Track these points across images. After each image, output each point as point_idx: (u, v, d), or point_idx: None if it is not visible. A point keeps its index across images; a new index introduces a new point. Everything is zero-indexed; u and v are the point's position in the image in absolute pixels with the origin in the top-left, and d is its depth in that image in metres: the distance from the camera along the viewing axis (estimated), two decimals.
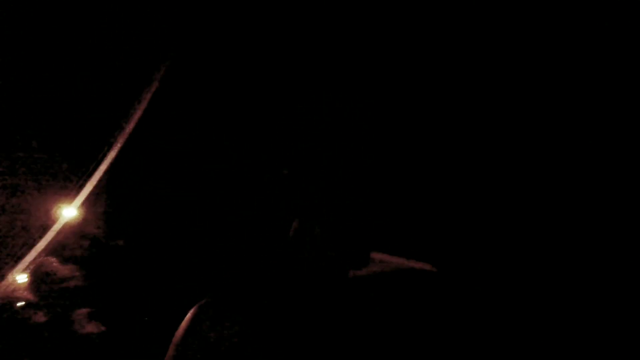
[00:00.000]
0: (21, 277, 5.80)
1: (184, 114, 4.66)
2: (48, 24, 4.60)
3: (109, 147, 4.46)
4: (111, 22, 4.56)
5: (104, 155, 4.58)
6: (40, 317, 6.09)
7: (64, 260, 5.42)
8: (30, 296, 5.89)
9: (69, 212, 5.35)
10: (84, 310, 4.89)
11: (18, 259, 5.39)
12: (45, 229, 5.31)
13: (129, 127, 3.98)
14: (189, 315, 1.38)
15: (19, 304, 6.27)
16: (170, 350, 1.35)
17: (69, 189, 5.07)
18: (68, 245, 5.48)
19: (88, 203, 5.38)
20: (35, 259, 5.48)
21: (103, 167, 4.69)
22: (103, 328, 5.26)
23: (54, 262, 5.43)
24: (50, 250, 5.40)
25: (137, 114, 3.76)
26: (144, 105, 3.79)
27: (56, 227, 5.39)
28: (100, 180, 4.99)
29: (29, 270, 5.45)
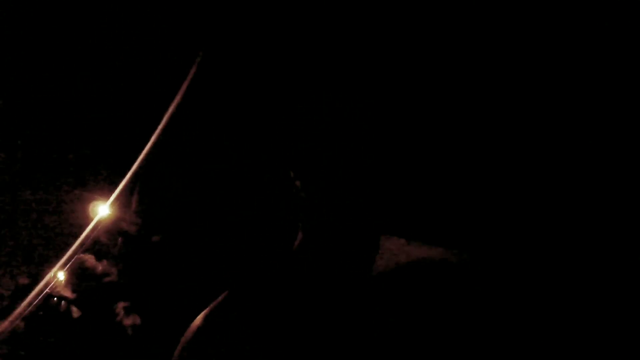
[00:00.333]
0: (62, 274, 6.03)
1: (202, 118, 4.80)
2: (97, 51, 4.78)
3: (140, 149, 4.61)
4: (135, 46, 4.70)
5: (135, 157, 4.73)
6: (81, 311, 6.33)
7: (100, 257, 5.62)
8: (71, 292, 6.12)
9: (103, 210, 5.55)
10: (122, 304, 5.07)
11: (60, 256, 5.61)
12: (82, 227, 5.50)
13: (158, 128, 4.12)
14: (201, 316, 1.38)
15: (62, 299, 6.52)
16: (178, 350, 1.33)
17: (104, 188, 5.25)
18: (103, 243, 5.68)
19: (121, 201, 5.57)
20: (73, 256, 5.70)
21: (134, 167, 4.84)
22: (139, 321, 5.44)
23: (91, 260, 5.64)
24: (87, 248, 5.60)
25: (164, 119, 3.89)
26: (170, 110, 3.93)
27: (92, 225, 5.58)
28: (131, 179, 5.15)
29: (69, 268, 5.67)
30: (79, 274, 5.85)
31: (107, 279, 5.74)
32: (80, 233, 5.67)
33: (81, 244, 5.76)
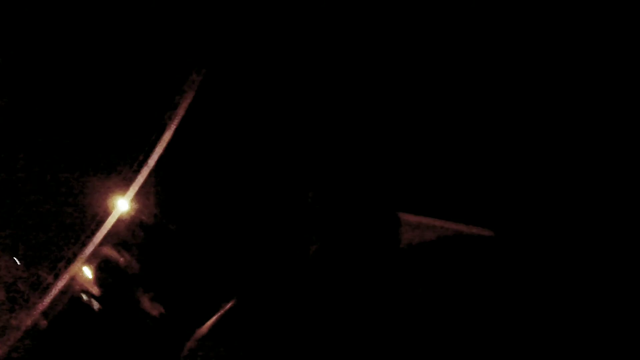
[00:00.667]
0: (85, 268, 6.18)
1: (215, 115, 4.91)
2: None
3: (154, 145, 4.72)
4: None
5: (151, 152, 4.84)
6: (103, 304, 6.47)
7: (122, 249, 5.76)
8: (95, 286, 6.26)
9: (123, 204, 5.68)
10: (146, 295, 5.19)
11: (83, 250, 5.74)
12: (103, 221, 5.64)
13: (172, 125, 4.24)
14: (207, 324, 1.40)
15: (85, 293, 6.67)
16: (189, 344, 1.35)
17: (123, 184, 5.38)
18: (124, 236, 5.81)
19: (139, 195, 5.69)
20: (96, 250, 5.84)
21: (151, 162, 4.96)
22: (162, 310, 5.57)
23: (113, 253, 5.78)
24: (109, 240, 5.74)
25: (179, 115, 4.01)
26: (181, 111, 4.05)
27: (112, 220, 5.71)
28: (149, 174, 5.27)
29: (91, 261, 5.82)
30: (101, 268, 5.99)
31: (129, 271, 5.87)
32: (101, 227, 5.80)
33: (103, 238, 5.90)
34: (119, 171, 5.48)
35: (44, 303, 6.88)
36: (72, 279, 6.43)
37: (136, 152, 5.29)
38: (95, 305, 7.66)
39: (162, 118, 4.93)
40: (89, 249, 5.98)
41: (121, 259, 5.86)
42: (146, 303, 5.44)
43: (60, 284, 6.59)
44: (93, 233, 5.85)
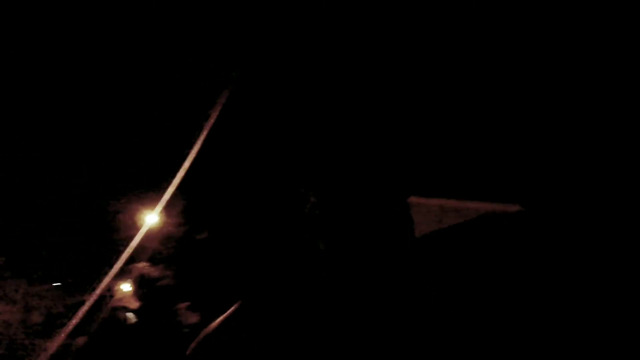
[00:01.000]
0: (119, 283, 6.32)
1: (238, 133, 5.04)
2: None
3: (184, 159, 4.85)
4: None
5: (179, 166, 4.98)
6: (139, 317, 6.63)
7: (155, 262, 5.90)
8: (130, 299, 6.41)
9: (152, 218, 5.81)
10: (183, 305, 5.34)
11: (115, 265, 5.89)
12: (133, 235, 5.79)
13: (200, 140, 4.37)
14: (213, 324, 1.45)
15: (120, 308, 6.82)
16: (193, 344, 1.39)
17: (150, 198, 5.52)
18: (155, 248, 5.96)
19: (166, 208, 5.83)
20: (128, 265, 5.98)
21: (179, 175, 5.09)
22: (199, 318, 5.72)
23: (146, 266, 5.92)
24: (141, 254, 5.89)
25: (205, 132, 4.15)
26: (210, 124, 4.19)
27: (142, 233, 5.85)
28: (177, 187, 5.41)
29: (126, 276, 5.97)
30: (136, 281, 6.14)
31: (163, 282, 6.01)
32: (133, 242, 5.94)
33: (134, 252, 6.03)
34: (147, 187, 5.61)
35: (80, 321, 7.03)
36: (107, 295, 6.58)
37: (163, 168, 5.43)
38: (132, 319, 7.80)
39: (189, 137, 5.08)
40: (121, 263, 6.12)
41: (155, 272, 6.01)
42: (183, 312, 5.60)
43: (95, 300, 6.74)
44: (125, 249, 5.99)
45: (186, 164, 4.38)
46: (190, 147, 4.29)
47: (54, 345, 7.28)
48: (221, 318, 1.32)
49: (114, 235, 6.09)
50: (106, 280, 6.43)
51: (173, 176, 4.99)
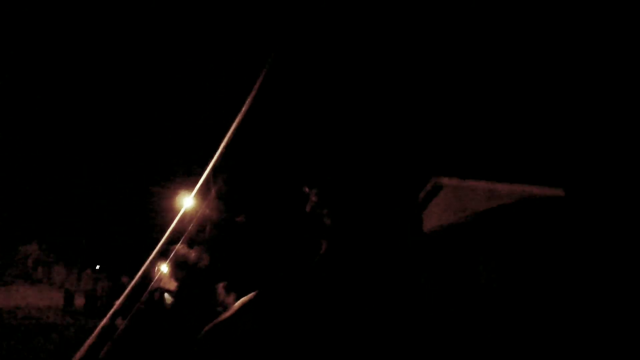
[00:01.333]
0: (159, 267, 6.53)
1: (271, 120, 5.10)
2: None
3: (216, 145, 4.95)
4: None
5: (215, 149, 5.08)
6: (178, 299, 6.82)
7: (192, 244, 6.06)
8: (169, 282, 6.61)
9: (188, 201, 5.97)
10: (222, 285, 5.47)
11: (153, 249, 6.06)
12: (170, 219, 5.94)
13: (235, 123, 4.45)
14: (229, 311, 1.43)
15: (160, 290, 7.04)
16: (204, 330, 1.37)
17: (187, 182, 5.66)
18: (192, 231, 6.11)
19: (202, 192, 5.96)
20: (166, 248, 6.15)
21: (215, 159, 5.19)
22: (236, 297, 5.86)
23: (183, 249, 6.08)
24: (178, 237, 6.04)
25: (240, 115, 4.22)
26: (244, 109, 4.25)
27: (179, 216, 6.01)
28: (213, 170, 5.52)
29: (164, 258, 6.14)
30: (173, 263, 6.32)
31: (200, 264, 6.17)
32: (170, 225, 6.09)
33: (172, 235, 6.20)
34: (183, 171, 5.74)
35: (121, 304, 7.27)
36: (147, 278, 6.78)
37: (198, 152, 5.54)
38: (169, 300, 8.06)
39: (223, 120, 5.18)
40: (159, 247, 6.28)
41: (192, 254, 6.17)
42: (221, 292, 5.75)
43: (135, 283, 6.95)
44: (163, 232, 6.14)
45: (221, 148, 4.47)
46: (226, 131, 4.38)
47: (98, 327, 7.54)
48: (236, 306, 1.37)
49: (151, 219, 6.28)
50: (146, 263, 6.62)
51: (209, 160, 5.10)
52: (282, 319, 1.31)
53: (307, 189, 1.47)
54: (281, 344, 1.26)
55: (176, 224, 6.34)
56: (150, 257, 6.81)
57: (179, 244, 6.00)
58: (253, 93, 4.40)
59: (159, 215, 6.02)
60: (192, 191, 5.75)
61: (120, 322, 8.08)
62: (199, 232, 6.13)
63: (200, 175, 5.80)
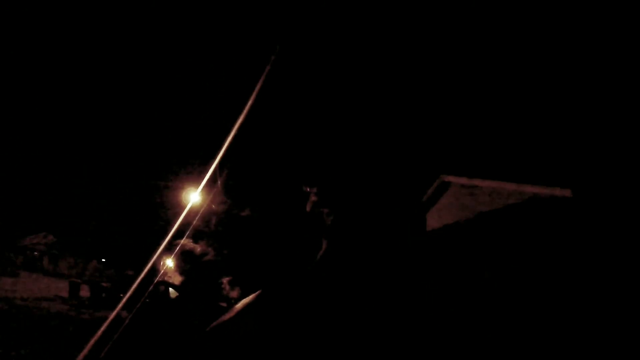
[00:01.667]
0: (165, 260, 6.57)
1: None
2: None
3: (225, 138, 4.97)
4: None
5: (221, 145, 5.10)
6: (182, 292, 6.86)
7: (197, 239, 6.11)
8: (175, 275, 6.65)
9: (194, 197, 5.99)
10: (226, 279, 5.50)
11: (160, 243, 6.10)
12: (177, 213, 5.98)
13: (240, 118, 4.47)
14: (234, 309, 1.43)
15: (164, 284, 7.07)
16: (210, 327, 1.39)
17: (193, 178, 5.69)
18: (198, 225, 6.15)
19: (208, 187, 6.00)
20: (172, 242, 6.19)
21: (220, 154, 5.20)
22: (241, 292, 5.90)
23: (189, 243, 6.13)
24: (185, 231, 6.08)
25: (245, 111, 4.23)
26: (248, 105, 4.26)
27: (186, 210, 6.03)
28: (218, 166, 5.54)
29: (171, 252, 6.18)
30: (179, 257, 6.36)
31: (205, 258, 6.20)
32: (177, 220, 6.13)
33: (178, 229, 6.23)
34: (189, 167, 5.77)
35: (129, 296, 7.32)
36: (153, 271, 6.82)
37: (204, 149, 5.56)
38: (173, 293, 8.10)
39: (228, 118, 5.19)
40: (166, 241, 6.32)
41: (198, 248, 6.20)
42: (226, 286, 5.78)
43: (142, 276, 6.99)
44: (170, 226, 6.18)
45: (227, 143, 4.49)
46: (232, 126, 4.39)
47: (104, 319, 7.62)
48: (238, 307, 1.38)
49: (158, 213, 6.31)
50: (153, 257, 6.67)
51: (214, 155, 5.12)
52: (283, 320, 1.31)
53: (307, 188, 1.45)
54: (282, 344, 1.26)
55: (182, 218, 6.37)
56: (158, 251, 6.86)
57: (185, 238, 6.04)
58: (256, 91, 4.41)
59: (164, 209, 6.05)
60: (198, 186, 5.78)
61: (127, 314, 8.14)
62: (205, 227, 6.17)
63: (206, 170, 5.82)
